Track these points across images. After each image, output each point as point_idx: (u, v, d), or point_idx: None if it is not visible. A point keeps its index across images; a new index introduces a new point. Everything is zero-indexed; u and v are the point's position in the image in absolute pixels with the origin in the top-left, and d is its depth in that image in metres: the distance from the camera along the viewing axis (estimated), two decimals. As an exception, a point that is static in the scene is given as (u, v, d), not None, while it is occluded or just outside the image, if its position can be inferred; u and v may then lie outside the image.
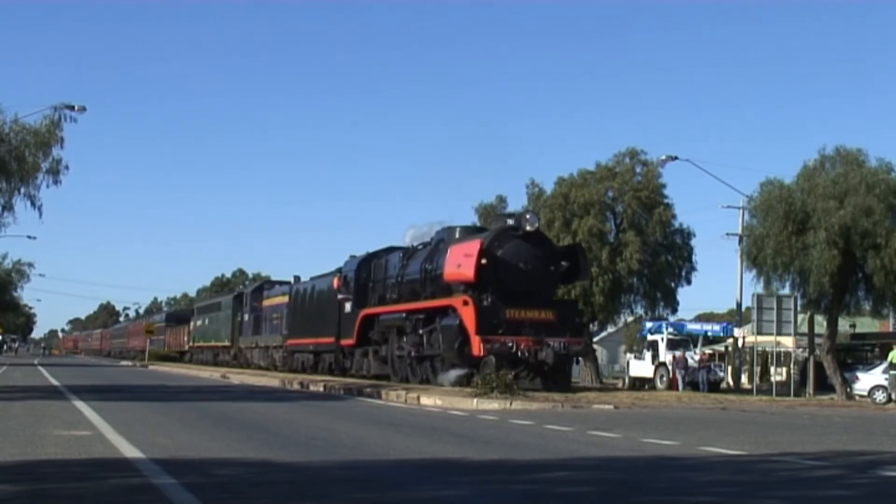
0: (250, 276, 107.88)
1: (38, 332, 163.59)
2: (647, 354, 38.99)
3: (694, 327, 44.01)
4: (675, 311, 40.03)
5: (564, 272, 25.72)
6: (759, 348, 38.89)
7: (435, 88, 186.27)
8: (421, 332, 26.27)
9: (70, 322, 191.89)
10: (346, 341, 31.95)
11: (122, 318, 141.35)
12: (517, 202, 41.05)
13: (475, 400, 19.14)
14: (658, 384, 36.47)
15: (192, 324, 62.36)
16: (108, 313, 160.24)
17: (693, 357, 35.72)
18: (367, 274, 31.65)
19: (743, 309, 36.90)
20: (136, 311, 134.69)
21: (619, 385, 40.00)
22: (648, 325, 41.26)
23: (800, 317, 31.24)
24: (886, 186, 27.48)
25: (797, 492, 7.95)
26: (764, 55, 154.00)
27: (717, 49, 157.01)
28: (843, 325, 41.32)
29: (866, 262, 27.56)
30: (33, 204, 24.15)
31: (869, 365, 34.05)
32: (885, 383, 29.09)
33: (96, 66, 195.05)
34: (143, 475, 7.91)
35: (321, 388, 26.32)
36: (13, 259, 64.34)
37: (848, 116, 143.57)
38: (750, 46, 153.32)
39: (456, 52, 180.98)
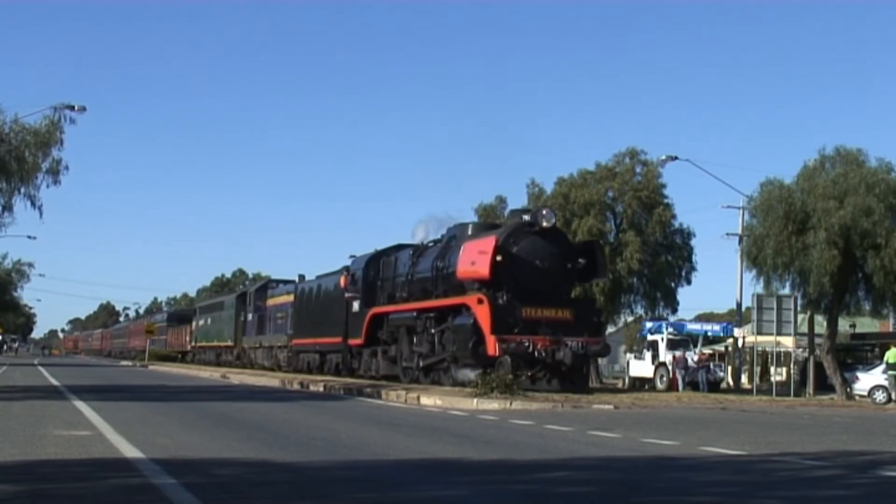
0: (250, 276, 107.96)
1: (38, 332, 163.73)
2: (647, 354, 38.99)
3: (694, 327, 44.03)
4: (675, 311, 40.09)
5: (581, 269, 25.07)
6: (759, 348, 38.89)
7: (435, 88, 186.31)
8: (433, 331, 25.69)
9: (70, 322, 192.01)
10: (354, 341, 31.30)
11: (122, 318, 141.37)
12: (517, 202, 41.04)
13: (475, 400, 19.13)
14: (658, 384, 36.47)
15: (194, 323, 61.75)
16: (108, 313, 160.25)
17: (693, 357, 35.72)
18: (375, 272, 30.99)
19: (743, 309, 36.91)
20: (136, 311, 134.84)
21: (619, 385, 40.01)
22: (648, 325, 41.27)
23: (800, 317, 31.24)
24: (886, 186, 27.48)
25: (797, 492, 7.95)
26: (764, 55, 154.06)
27: (717, 49, 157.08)
28: (843, 325, 41.32)
29: (866, 262, 27.57)
30: (33, 204, 24.18)
31: (869, 365, 34.04)
32: (885, 383, 29.10)
33: (96, 66, 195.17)
34: (143, 475, 7.91)
35: (321, 388, 26.32)
36: (13, 259, 64.45)
37: (848, 116, 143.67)
38: (750, 46, 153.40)
39: (456, 52, 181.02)
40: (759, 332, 29.82)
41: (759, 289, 29.62)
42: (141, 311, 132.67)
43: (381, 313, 29.28)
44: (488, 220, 35.91)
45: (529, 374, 22.90)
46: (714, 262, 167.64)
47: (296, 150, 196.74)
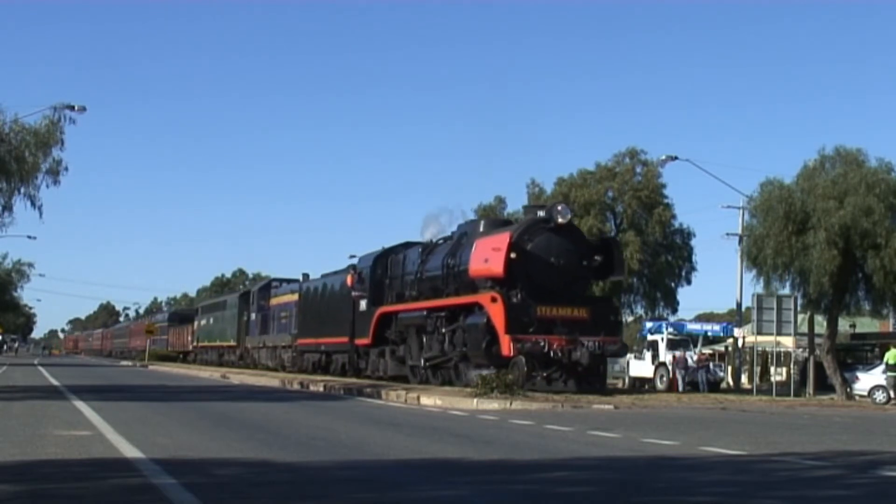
0: (250, 276, 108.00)
1: (38, 332, 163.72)
2: (647, 354, 38.96)
3: (694, 327, 44.04)
4: (675, 311, 40.15)
5: (597, 267, 24.36)
6: (759, 348, 38.88)
7: (435, 89, 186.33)
8: (443, 330, 25.12)
9: (70, 322, 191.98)
10: (362, 341, 30.65)
11: (122, 318, 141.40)
12: (517, 202, 41.11)
13: (475, 400, 19.11)
14: (658, 384, 36.45)
15: (196, 323, 61.30)
16: (108, 313, 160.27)
17: (692, 357, 35.72)
18: (383, 270, 30.36)
19: (743, 309, 36.90)
20: (136, 311, 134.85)
21: (619, 385, 40.00)
22: (648, 325, 41.27)
23: (800, 317, 31.22)
24: (886, 186, 27.45)
25: (797, 492, 7.95)
26: (764, 55, 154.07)
27: (717, 49, 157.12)
28: (843, 325, 41.30)
29: (866, 262, 27.54)
30: (33, 204, 24.19)
31: (869, 365, 34.02)
32: (885, 383, 29.08)
33: (96, 66, 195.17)
34: (143, 475, 7.91)
35: (321, 388, 26.31)
36: (13, 259, 64.43)
37: (848, 116, 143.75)
38: (750, 46, 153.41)
39: (456, 52, 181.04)
40: (759, 332, 29.80)
41: (759, 289, 29.62)
42: (141, 311, 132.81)
43: (389, 312, 28.73)
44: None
45: (545, 374, 22.42)
46: (714, 262, 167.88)
47: (296, 150, 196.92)
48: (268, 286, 46.51)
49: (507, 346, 21.91)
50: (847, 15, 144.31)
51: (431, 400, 19.88)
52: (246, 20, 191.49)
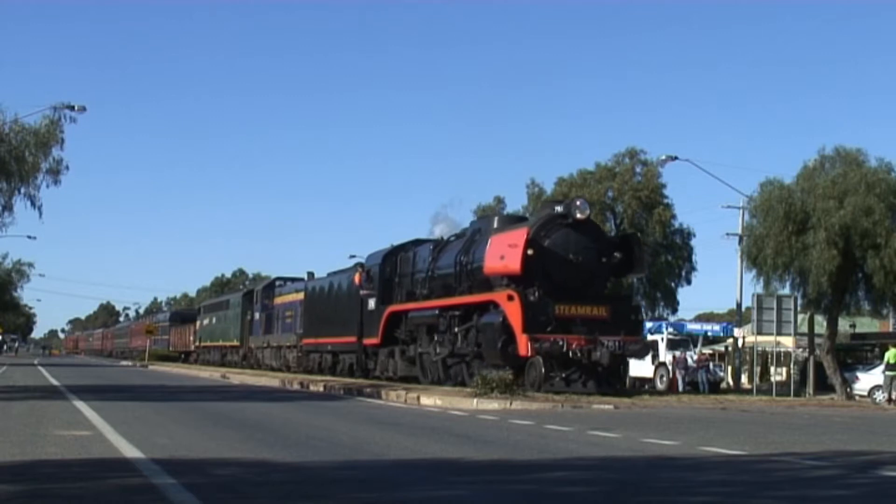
0: (250, 276, 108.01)
1: (38, 332, 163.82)
2: (647, 354, 38.87)
3: (694, 327, 44.03)
4: (675, 311, 40.21)
5: (617, 264, 23.61)
6: (759, 348, 38.86)
7: (435, 89, 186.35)
8: (456, 330, 24.49)
9: (70, 322, 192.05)
10: (370, 340, 29.90)
11: (122, 318, 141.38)
12: (517, 202, 41.15)
13: (475, 400, 19.09)
14: (658, 384, 36.44)
15: (198, 323, 60.63)
16: (108, 313, 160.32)
17: (693, 357, 35.71)
18: (392, 268, 29.59)
19: (743, 309, 36.91)
20: (136, 311, 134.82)
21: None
22: (648, 325, 41.21)
23: (800, 317, 31.21)
24: (886, 186, 27.46)
25: (797, 492, 7.95)
26: (764, 55, 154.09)
27: (717, 49, 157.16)
28: (843, 325, 41.31)
29: (866, 262, 27.54)
30: (33, 204, 24.20)
31: (869, 365, 34.04)
32: (883, 382, 29.07)
33: (97, 66, 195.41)
34: (143, 475, 7.91)
35: (321, 388, 26.29)
36: (13, 259, 64.40)
37: (848, 116, 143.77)
38: (750, 46, 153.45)
39: (456, 52, 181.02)
40: (759, 332, 29.78)
41: (759, 289, 29.62)
42: (141, 311, 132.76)
43: (399, 311, 28.07)
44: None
45: (564, 375, 21.81)
46: (714, 262, 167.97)
47: (296, 150, 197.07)
48: (272, 285, 45.61)
49: (524, 345, 21.31)
50: (847, 15, 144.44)
51: (431, 400, 19.86)
52: (246, 20, 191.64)
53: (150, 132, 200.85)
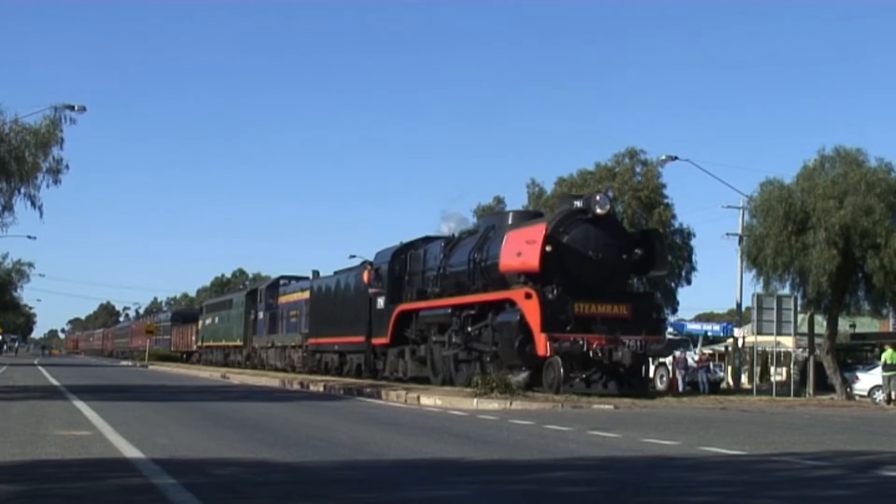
0: (250, 276, 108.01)
1: (38, 332, 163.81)
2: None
3: (694, 327, 43.98)
4: (675, 311, 40.09)
5: (638, 261, 22.95)
6: (759, 348, 38.86)
7: (435, 89, 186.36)
8: (470, 329, 23.90)
9: (70, 322, 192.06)
10: (379, 340, 29.23)
11: (122, 318, 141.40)
12: (517, 202, 41.12)
13: (475, 400, 19.08)
14: (658, 384, 36.43)
15: (200, 322, 60.02)
16: (108, 313, 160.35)
17: (693, 357, 35.68)
18: (401, 266, 28.90)
19: (743, 309, 36.89)
20: (136, 311, 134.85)
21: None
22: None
23: (800, 317, 31.21)
24: (886, 186, 27.44)
25: (797, 492, 7.95)
26: (764, 55, 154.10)
27: (717, 49, 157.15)
28: (843, 325, 41.29)
29: (866, 261, 27.51)
30: (33, 204, 24.19)
31: (869, 365, 34.02)
32: (881, 382, 29.07)
33: (97, 66, 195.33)
34: (143, 475, 7.91)
35: (321, 388, 26.29)
36: (13, 259, 64.37)
37: (848, 116, 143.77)
38: (750, 46, 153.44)
39: (456, 52, 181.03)
40: (759, 332, 29.77)
41: (759, 289, 29.58)
42: (141, 311, 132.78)
43: (409, 310, 27.43)
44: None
45: (584, 376, 21.35)
46: (714, 262, 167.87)
47: (296, 150, 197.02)
48: (276, 284, 44.88)
49: (542, 345, 20.70)
50: (847, 15, 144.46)
51: (431, 400, 19.85)
52: (246, 20, 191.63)
53: (150, 132, 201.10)
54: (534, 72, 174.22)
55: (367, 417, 15.84)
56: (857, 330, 46.22)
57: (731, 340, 41.94)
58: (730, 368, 41.49)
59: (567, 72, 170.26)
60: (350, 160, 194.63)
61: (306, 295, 38.31)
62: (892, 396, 27.85)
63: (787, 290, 29.38)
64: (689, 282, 38.43)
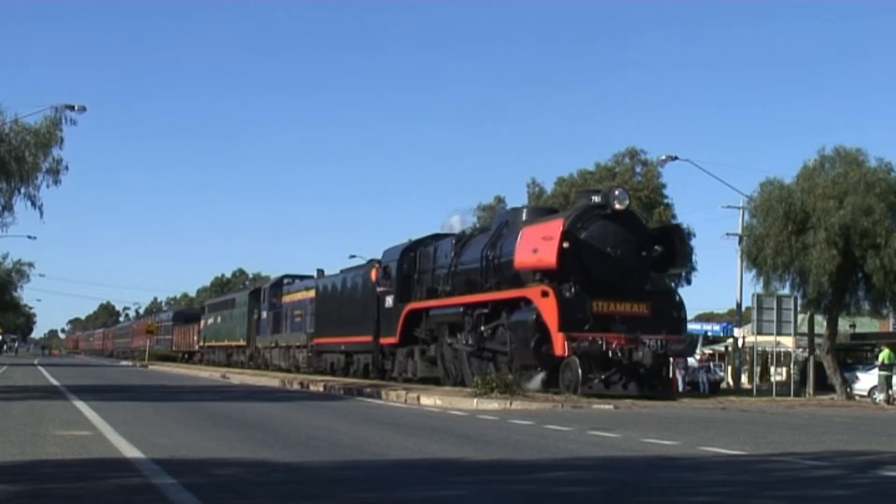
0: (250, 276, 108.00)
1: (38, 332, 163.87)
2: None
3: (694, 327, 43.95)
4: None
5: (657, 258, 22.42)
6: (759, 348, 38.87)
7: (435, 89, 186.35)
8: (482, 328, 23.42)
9: (70, 322, 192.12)
10: (387, 340, 28.72)
11: (122, 318, 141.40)
12: (517, 202, 41.07)
13: (475, 400, 19.07)
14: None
15: (202, 322, 59.62)
16: (108, 313, 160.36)
17: (694, 357, 35.65)
18: (410, 264, 28.40)
19: (743, 309, 36.89)
20: (136, 311, 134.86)
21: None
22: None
23: (800, 317, 31.21)
24: (886, 186, 27.45)
25: (797, 492, 7.95)
26: (764, 55, 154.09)
27: (716, 49, 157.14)
28: (843, 325, 41.28)
29: (866, 261, 27.52)
30: (33, 204, 24.22)
31: (869, 365, 34.02)
32: (877, 382, 29.06)
33: (97, 66, 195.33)
34: (143, 475, 7.91)
35: (321, 388, 26.29)
36: (13, 259, 64.39)
37: (848, 116, 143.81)
38: (750, 46, 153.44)
39: (456, 52, 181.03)
40: (759, 332, 29.78)
41: (759, 289, 29.59)
42: (141, 311, 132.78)
43: (419, 309, 26.89)
44: (487, 221, 35.76)
45: (603, 377, 20.68)
46: (714, 262, 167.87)
47: (296, 150, 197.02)
48: (279, 283, 44.32)
49: (560, 345, 20.16)
50: (847, 15, 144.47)
51: (431, 400, 19.85)
52: (246, 20, 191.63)
53: (150, 132, 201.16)
54: (534, 72, 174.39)
55: (367, 417, 15.83)
56: (857, 330, 46.21)
57: (731, 340, 41.96)
58: (730, 368, 41.50)
59: (567, 72, 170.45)
60: (350, 160, 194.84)
61: (311, 294, 37.85)
62: (892, 396, 27.86)
63: (787, 290, 29.40)
64: (689, 282, 38.40)
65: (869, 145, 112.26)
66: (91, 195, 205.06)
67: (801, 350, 37.77)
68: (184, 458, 9.12)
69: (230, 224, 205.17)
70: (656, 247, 22.36)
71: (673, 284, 38.29)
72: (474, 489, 7.76)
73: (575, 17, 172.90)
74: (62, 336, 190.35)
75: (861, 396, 29.88)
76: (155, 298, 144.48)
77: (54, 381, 28.38)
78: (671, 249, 22.57)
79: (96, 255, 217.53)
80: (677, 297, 23.42)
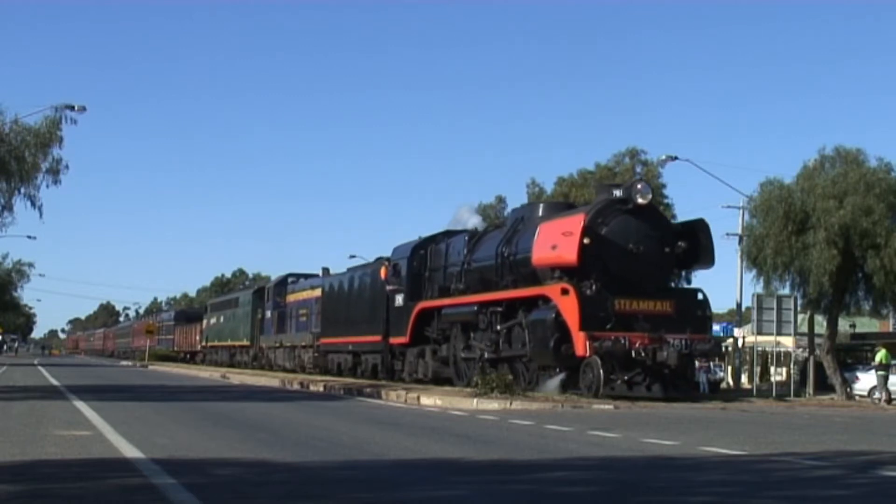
0: (251, 276, 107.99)
1: (38, 332, 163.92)
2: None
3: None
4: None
5: (681, 254, 21.63)
6: (759, 348, 38.85)
7: (435, 89, 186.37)
8: (498, 327, 22.67)
9: (70, 322, 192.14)
10: (397, 339, 28.00)
11: (122, 318, 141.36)
12: (517, 202, 41.08)
13: (475, 400, 19.06)
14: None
15: (204, 322, 59.07)
16: (108, 313, 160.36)
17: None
18: (421, 262, 27.61)
19: (743, 309, 36.87)
20: (137, 311, 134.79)
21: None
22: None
23: (800, 317, 31.21)
24: (886, 186, 27.47)
25: (797, 492, 7.94)
26: (764, 55, 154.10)
27: (716, 49, 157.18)
28: (843, 325, 41.29)
29: (866, 261, 27.53)
30: (33, 204, 24.22)
31: (869, 365, 34.03)
32: (876, 382, 29.06)
33: (97, 66, 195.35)
34: (143, 475, 7.90)
35: (321, 388, 26.29)
36: (13, 259, 64.37)
37: (848, 116, 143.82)
38: (749, 46, 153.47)
39: (456, 52, 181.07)
40: (759, 332, 29.75)
41: (759, 289, 29.58)
42: (141, 311, 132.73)
43: (430, 308, 26.21)
44: (488, 220, 35.74)
45: (626, 378, 20.00)
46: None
47: (296, 150, 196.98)
48: (284, 282, 43.64)
49: (582, 344, 19.50)
50: (847, 14, 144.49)
51: (431, 400, 19.85)
52: (246, 20, 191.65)
53: (150, 132, 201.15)
54: (534, 71, 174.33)
55: (368, 417, 15.83)
56: (857, 330, 46.24)
57: (731, 340, 41.91)
58: (730, 368, 41.47)
59: (567, 72, 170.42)
60: (350, 160, 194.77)
61: (317, 293, 37.19)
62: (892, 396, 27.88)
63: (787, 290, 29.40)
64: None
65: (869, 145, 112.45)
66: (91, 195, 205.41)
67: (801, 350, 37.79)
68: (184, 458, 9.12)
69: (230, 224, 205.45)
70: (680, 242, 21.59)
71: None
72: (474, 489, 7.76)
73: (575, 17, 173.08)
74: (62, 336, 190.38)
75: (861, 396, 29.90)
76: (155, 298, 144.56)
77: (54, 381, 28.38)
78: (695, 245, 21.78)
79: (96, 255, 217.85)
80: (701, 295, 22.60)
